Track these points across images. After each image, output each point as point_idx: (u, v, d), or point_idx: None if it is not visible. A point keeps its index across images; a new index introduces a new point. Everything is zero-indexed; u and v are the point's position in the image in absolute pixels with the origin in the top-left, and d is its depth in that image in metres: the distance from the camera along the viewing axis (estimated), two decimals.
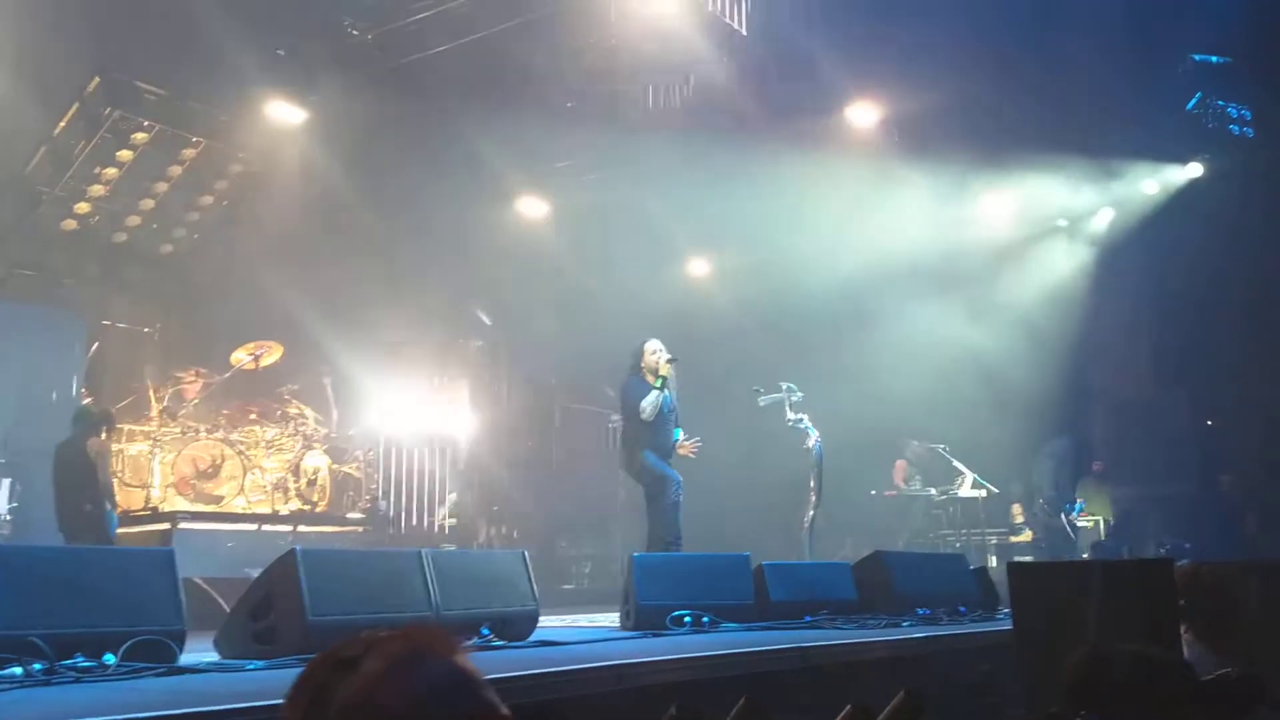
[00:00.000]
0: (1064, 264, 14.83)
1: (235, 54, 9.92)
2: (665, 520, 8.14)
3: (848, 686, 5.19)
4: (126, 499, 9.31)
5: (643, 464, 8.30)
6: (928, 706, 2.23)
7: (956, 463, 13.01)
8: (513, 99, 10.96)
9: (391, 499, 11.18)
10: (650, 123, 11.40)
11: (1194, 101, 14.49)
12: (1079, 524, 13.04)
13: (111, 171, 11.30)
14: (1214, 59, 14.33)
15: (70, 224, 11.52)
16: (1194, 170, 14.28)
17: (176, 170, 11.64)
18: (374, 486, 11.02)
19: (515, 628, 5.54)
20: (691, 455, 8.64)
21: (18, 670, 3.84)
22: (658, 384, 8.29)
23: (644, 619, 6.17)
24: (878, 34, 11.43)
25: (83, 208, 11.48)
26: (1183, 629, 4.25)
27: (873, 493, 13.58)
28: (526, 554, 5.98)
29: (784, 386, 9.72)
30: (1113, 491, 13.76)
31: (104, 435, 8.61)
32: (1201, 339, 13.56)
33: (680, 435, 8.60)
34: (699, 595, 6.41)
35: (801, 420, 9.58)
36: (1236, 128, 14.67)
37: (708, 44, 10.59)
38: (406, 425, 11.65)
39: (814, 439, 9.52)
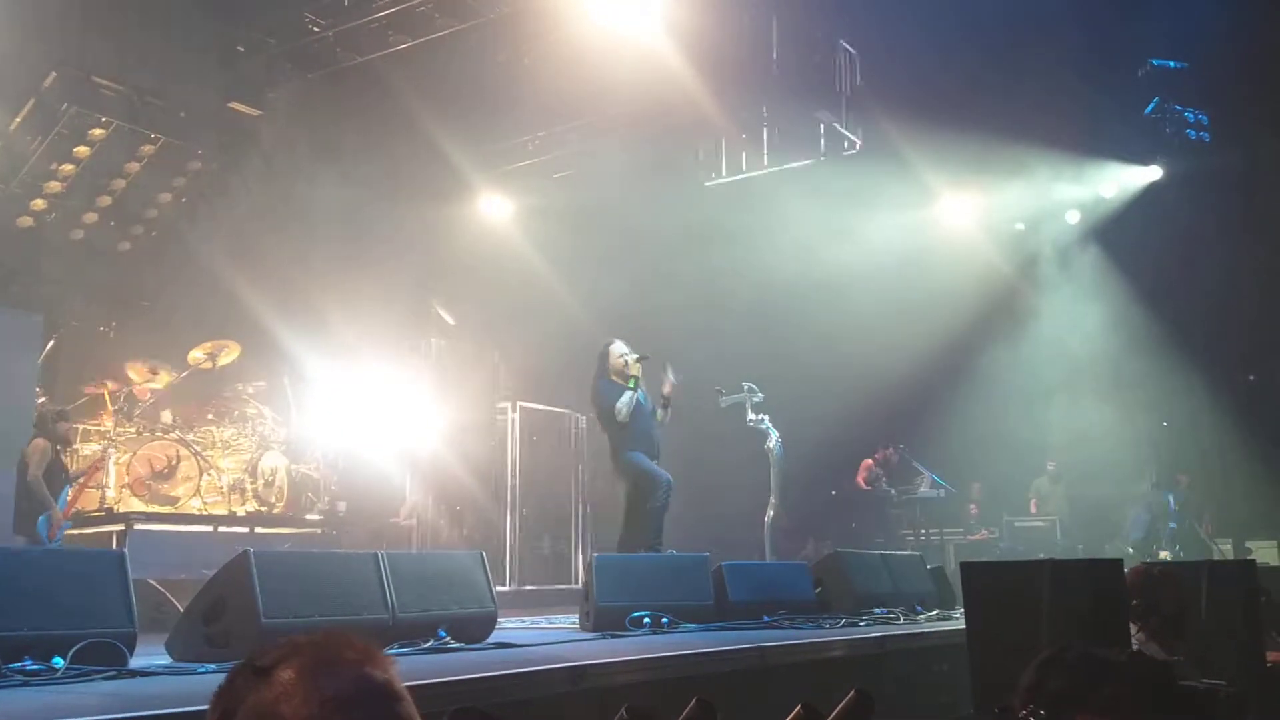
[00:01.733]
0: (1021, 267, 14.99)
1: (195, 50, 9.82)
2: (648, 524, 8.05)
3: (805, 687, 5.23)
4: (81, 500, 9.17)
5: (630, 463, 8.19)
6: (879, 707, 2.25)
7: (915, 463, 13.13)
8: (473, 97, 10.93)
9: (350, 500, 11.09)
10: (610, 124, 11.43)
11: (1151, 106, 14.70)
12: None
13: (68, 168, 11.13)
14: (1171, 64, 14.55)
15: (26, 221, 11.33)
16: (1154, 173, 14.49)
17: (134, 167, 11.49)
18: (333, 487, 10.93)
19: (472, 629, 5.51)
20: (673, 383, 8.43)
21: None
22: (630, 384, 8.20)
23: (603, 620, 6.18)
24: (841, 37, 11.53)
25: (39, 204, 11.30)
26: (1134, 628, 4.32)
27: (834, 493, 13.67)
28: (484, 555, 5.96)
29: (745, 387, 9.78)
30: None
31: (49, 436, 8.46)
32: (1158, 341, 13.76)
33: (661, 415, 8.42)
34: (658, 596, 6.43)
35: (762, 420, 9.65)
36: (1193, 132, 14.90)
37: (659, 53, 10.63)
38: (366, 425, 11.56)
39: (774, 439, 9.58)
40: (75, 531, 8.87)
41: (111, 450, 9.54)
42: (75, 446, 9.64)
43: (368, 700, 1.27)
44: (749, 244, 13.22)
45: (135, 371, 10.34)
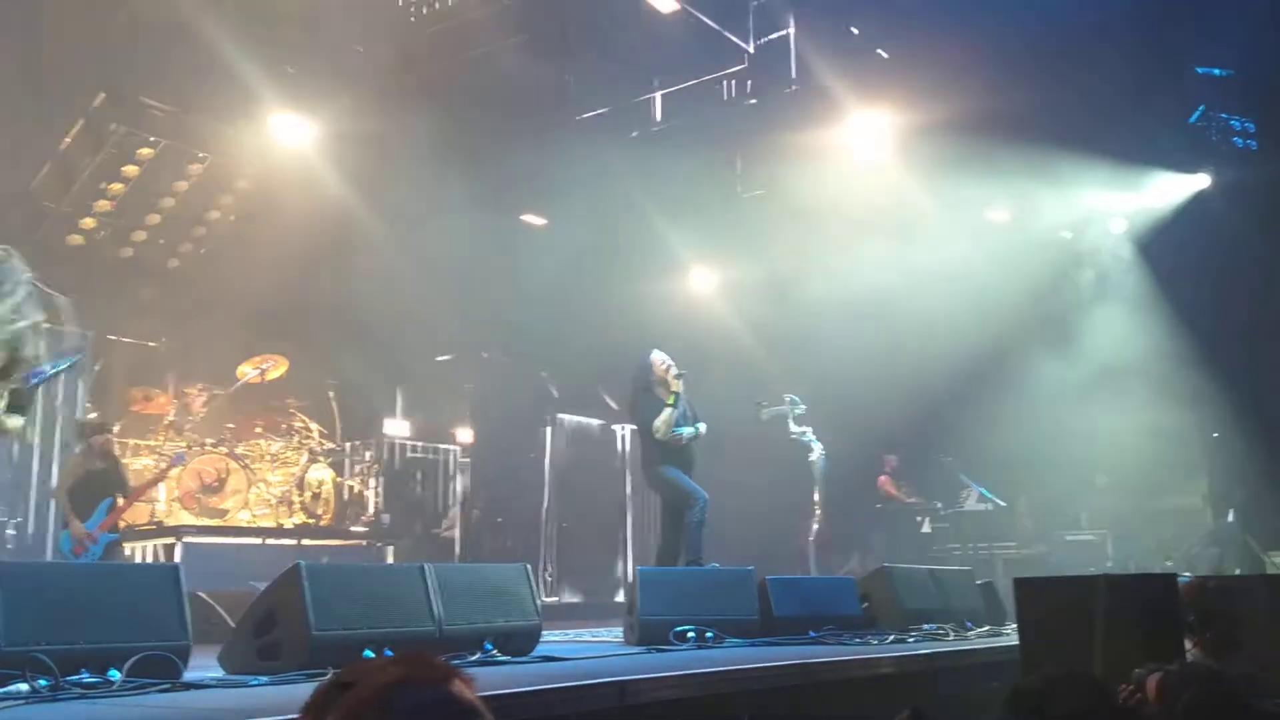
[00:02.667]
0: (1068, 276, 14.83)
1: (242, 70, 9.97)
2: (688, 539, 8.00)
3: (852, 704, 5.18)
4: (132, 514, 9.30)
5: (665, 479, 8.16)
6: None
7: (963, 476, 12.98)
8: (517, 113, 11.02)
9: (394, 512, 11.18)
10: (652, 136, 11.47)
11: (1197, 114, 14.50)
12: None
13: (117, 187, 11.35)
14: (1217, 72, 14.35)
15: (76, 239, 11.56)
16: (1201, 182, 14.29)
17: (182, 185, 11.69)
18: (377, 500, 11.02)
19: (518, 642, 5.52)
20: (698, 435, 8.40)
21: (23, 686, 3.85)
22: (670, 400, 8.15)
23: (647, 634, 6.16)
24: (881, 45, 11.50)
25: (88, 223, 11.52)
26: (1189, 643, 4.25)
27: (878, 507, 13.55)
28: (529, 567, 5.97)
29: (787, 399, 9.72)
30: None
31: (86, 450, 8.49)
32: (1207, 351, 13.53)
33: (701, 429, 8.42)
34: (702, 610, 6.39)
35: (805, 433, 9.58)
36: (1240, 140, 14.67)
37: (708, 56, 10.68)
38: (410, 438, 11.66)
39: (818, 452, 9.51)
40: (126, 544, 8.95)
41: (162, 464, 9.59)
42: (127, 461, 9.78)
43: (451, 717, 1.31)
44: (790, 254, 13.18)
45: (186, 387, 10.49)
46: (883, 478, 13.41)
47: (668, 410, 8.09)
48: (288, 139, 10.92)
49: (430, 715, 1.30)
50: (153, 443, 10.14)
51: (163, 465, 9.47)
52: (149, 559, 9.22)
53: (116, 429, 9.27)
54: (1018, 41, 11.48)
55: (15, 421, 5.16)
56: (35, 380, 5.26)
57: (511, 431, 12.24)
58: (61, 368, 5.48)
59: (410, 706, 1.29)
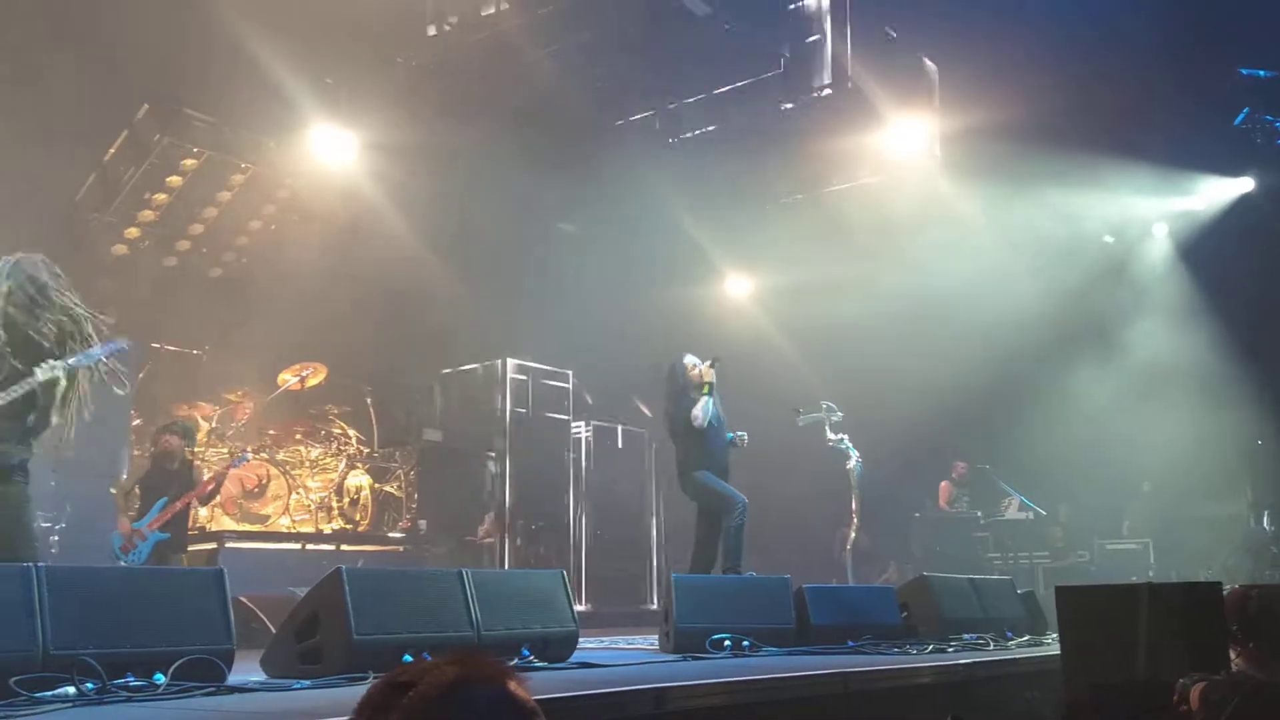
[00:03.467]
0: (1109, 280, 14.67)
1: (283, 82, 10.11)
2: (726, 545, 7.92)
3: (891, 714, 5.15)
4: None
5: (702, 484, 8.10)
6: None
7: (1003, 484, 12.87)
8: (553, 121, 11.08)
9: (430, 518, 11.24)
10: (687, 142, 11.49)
11: (1241, 116, 14.30)
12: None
13: (161, 197, 11.53)
14: (1261, 74, 14.15)
15: (121, 249, 11.75)
16: (1245, 185, 14.10)
17: (225, 195, 11.86)
18: (413, 505, 11.09)
19: (555, 649, 5.54)
20: (742, 443, 8.40)
21: (70, 690, 3.90)
22: (705, 390, 8.09)
23: (683, 641, 6.15)
24: (921, 50, 11.44)
25: (133, 233, 11.70)
26: (1233, 652, 4.18)
27: (916, 515, 13.45)
28: (565, 574, 5.99)
29: (824, 406, 9.66)
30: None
31: (153, 450, 8.63)
32: (1251, 356, 13.32)
33: (743, 437, 8.40)
34: (739, 618, 6.37)
35: (842, 440, 9.52)
36: None
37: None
38: (444, 444, 11.73)
39: (855, 459, 9.45)
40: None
41: (246, 456, 9.56)
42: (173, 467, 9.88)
43: (508, 716, 1.33)
44: (826, 260, 13.14)
45: (228, 393, 10.62)
46: (944, 484, 13.31)
47: (704, 399, 8.03)
48: (328, 150, 11.05)
49: (493, 713, 1.32)
50: (197, 449, 10.27)
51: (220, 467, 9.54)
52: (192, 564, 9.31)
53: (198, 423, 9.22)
54: (1059, 45, 11.39)
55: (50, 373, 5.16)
56: (79, 363, 5.29)
57: (546, 438, 12.29)
58: (99, 356, 5.47)
59: (473, 704, 1.32)
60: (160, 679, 4.16)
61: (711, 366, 8.18)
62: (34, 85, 9.69)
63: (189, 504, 8.58)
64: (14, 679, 3.82)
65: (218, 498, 9.49)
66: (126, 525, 8.22)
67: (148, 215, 11.62)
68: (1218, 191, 14.28)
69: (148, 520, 8.26)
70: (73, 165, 11.02)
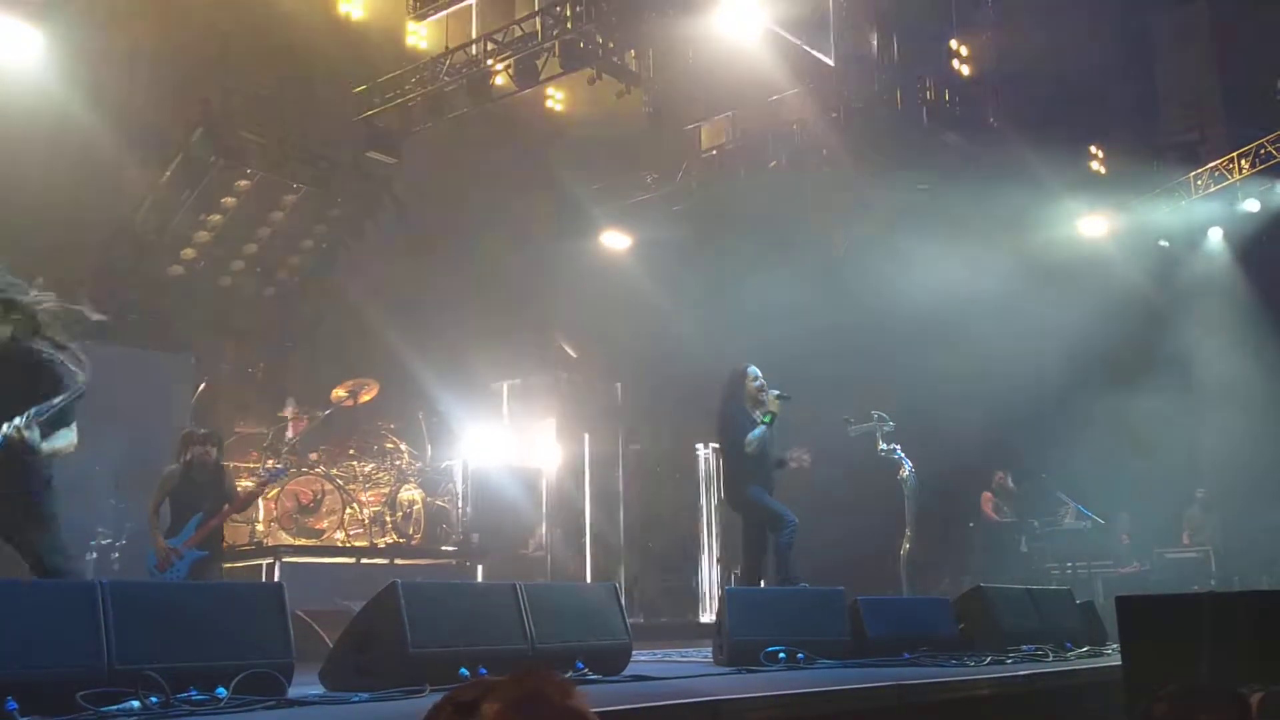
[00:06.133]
0: (1165, 285, 14.44)
1: (333, 102, 10.29)
2: (779, 561, 7.83)
3: None
4: (232, 534, 9.54)
5: (751, 500, 8.02)
6: None
7: (1060, 493, 12.66)
8: (594, 134, 11.17)
9: (482, 532, 11.29)
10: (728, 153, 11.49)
11: None
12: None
13: (216, 218, 11.74)
14: None
15: (177, 270, 11.97)
16: None
17: (278, 216, 12.05)
18: (465, 520, 11.16)
19: (609, 661, 5.53)
20: (804, 464, 8.35)
21: (135, 704, 3.95)
22: (765, 419, 8.00)
23: (737, 654, 6.11)
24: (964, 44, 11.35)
25: (189, 254, 11.92)
26: None
27: (971, 525, 13.28)
28: (618, 586, 5.99)
29: (875, 416, 9.56)
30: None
31: (181, 462, 8.09)
32: None
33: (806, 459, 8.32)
34: (793, 630, 6.31)
35: (895, 450, 9.41)
36: None
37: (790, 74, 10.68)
38: (496, 459, 11.81)
39: (908, 469, 9.35)
40: (226, 565, 9.03)
41: (282, 471, 9.49)
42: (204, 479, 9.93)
43: None
44: (876, 267, 13.06)
45: (282, 410, 10.77)
46: (985, 494, 13.13)
47: (762, 428, 7.97)
48: (377, 169, 11.21)
49: None
50: (252, 465, 10.43)
51: (256, 483, 9.53)
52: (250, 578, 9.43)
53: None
54: (1109, 45, 11.27)
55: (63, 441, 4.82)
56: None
57: (596, 452, 12.32)
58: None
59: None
60: (222, 693, 4.20)
61: (778, 399, 8.10)
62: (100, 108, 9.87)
63: (225, 519, 8.28)
64: (80, 693, 3.88)
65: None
66: (162, 543, 7.81)
67: (203, 236, 11.85)
68: (1272, 194, 14.01)
69: (184, 537, 7.85)
70: (130, 188, 11.26)
